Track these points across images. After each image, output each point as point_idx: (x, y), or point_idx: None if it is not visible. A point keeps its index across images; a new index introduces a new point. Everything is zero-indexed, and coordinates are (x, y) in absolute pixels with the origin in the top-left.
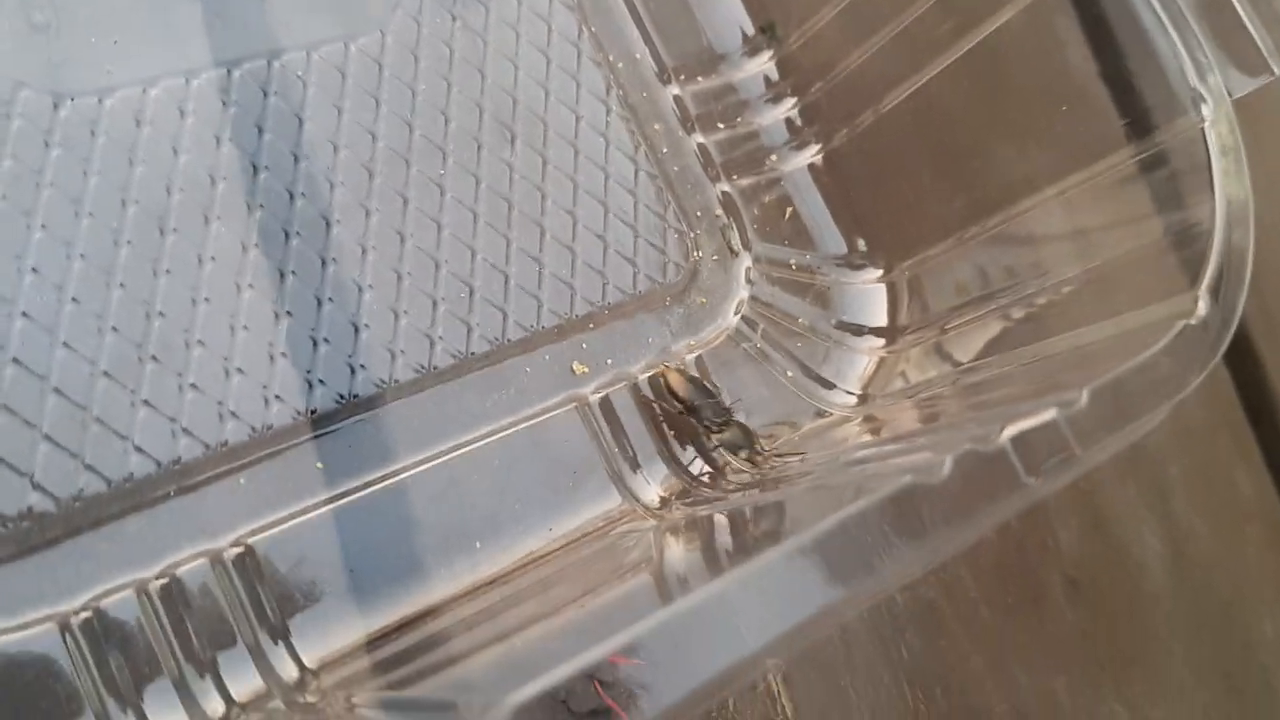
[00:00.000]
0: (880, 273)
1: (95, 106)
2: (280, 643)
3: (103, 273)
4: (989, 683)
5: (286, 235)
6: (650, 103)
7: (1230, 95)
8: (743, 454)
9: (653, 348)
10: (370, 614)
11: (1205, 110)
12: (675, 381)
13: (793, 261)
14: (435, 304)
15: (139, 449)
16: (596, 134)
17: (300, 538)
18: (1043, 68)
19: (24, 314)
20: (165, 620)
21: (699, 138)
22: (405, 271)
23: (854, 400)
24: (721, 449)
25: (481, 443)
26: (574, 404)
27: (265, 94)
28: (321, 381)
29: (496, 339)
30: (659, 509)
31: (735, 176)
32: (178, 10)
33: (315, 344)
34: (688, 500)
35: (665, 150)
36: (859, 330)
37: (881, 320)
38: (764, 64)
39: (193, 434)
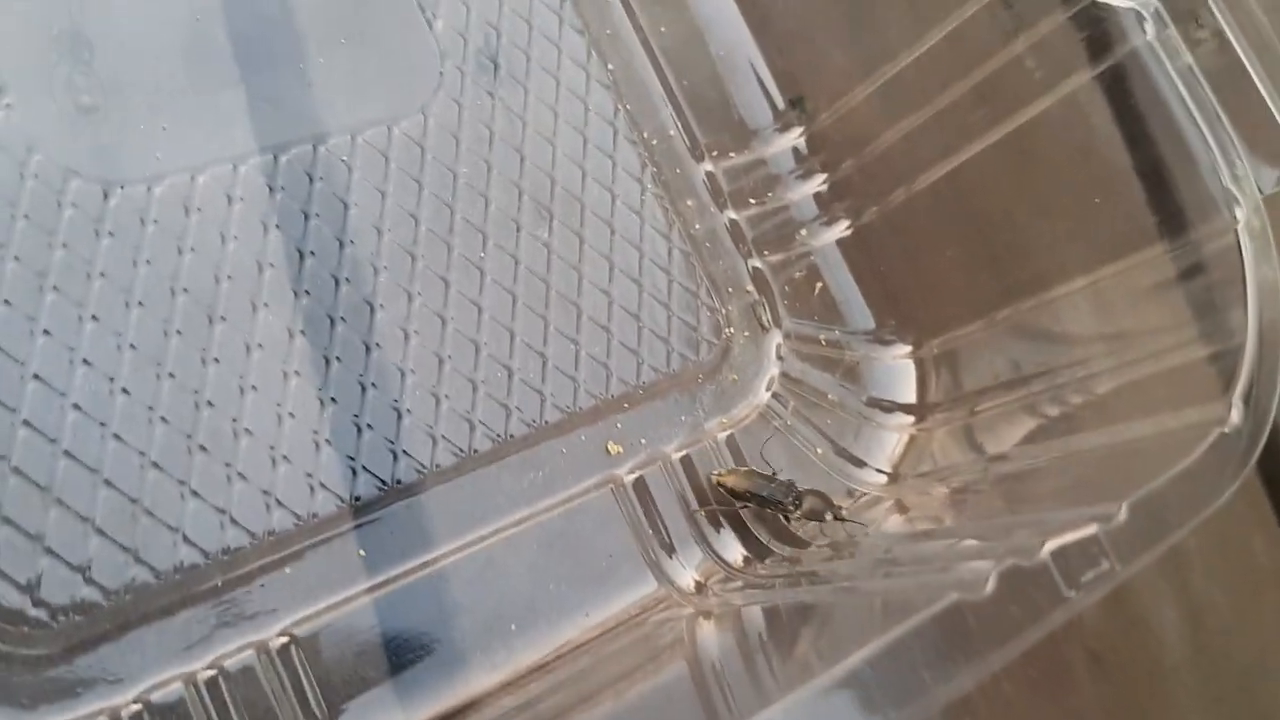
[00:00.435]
0: (909, 349)
1: (145, 195)
2: None
3: (153, 363)
4: None
5: (331, 321)
6: (683, 179)
7: (1262, 192)
8: (828, 517)
9: (685, 426)
10: (412, 706)
11: (1239, 212)
12: (733, 482)
13: (822, 337)
14: (475, 387)
15: (188, 540)
16: (631, 212)
17: (343, 627)
18: (1076, 158)
19: (75, 406)
20: (213, 712)
21: (731, 214)
22: (446, 355)
23: (884, 479)
24: (806, 521)
25: (519, 526)
26: (609, 485)
27: (311, 179)
28: (365, 468)
29: (534, 421)
30: (694, 594)
31: (766, 252)
32: (224, 94)
33: (359, 430)
34: (723, 584)
35: (698, 227)
36: (889, 407)
37: (911, 397)
38: (795, 139)
39: (240, 524)
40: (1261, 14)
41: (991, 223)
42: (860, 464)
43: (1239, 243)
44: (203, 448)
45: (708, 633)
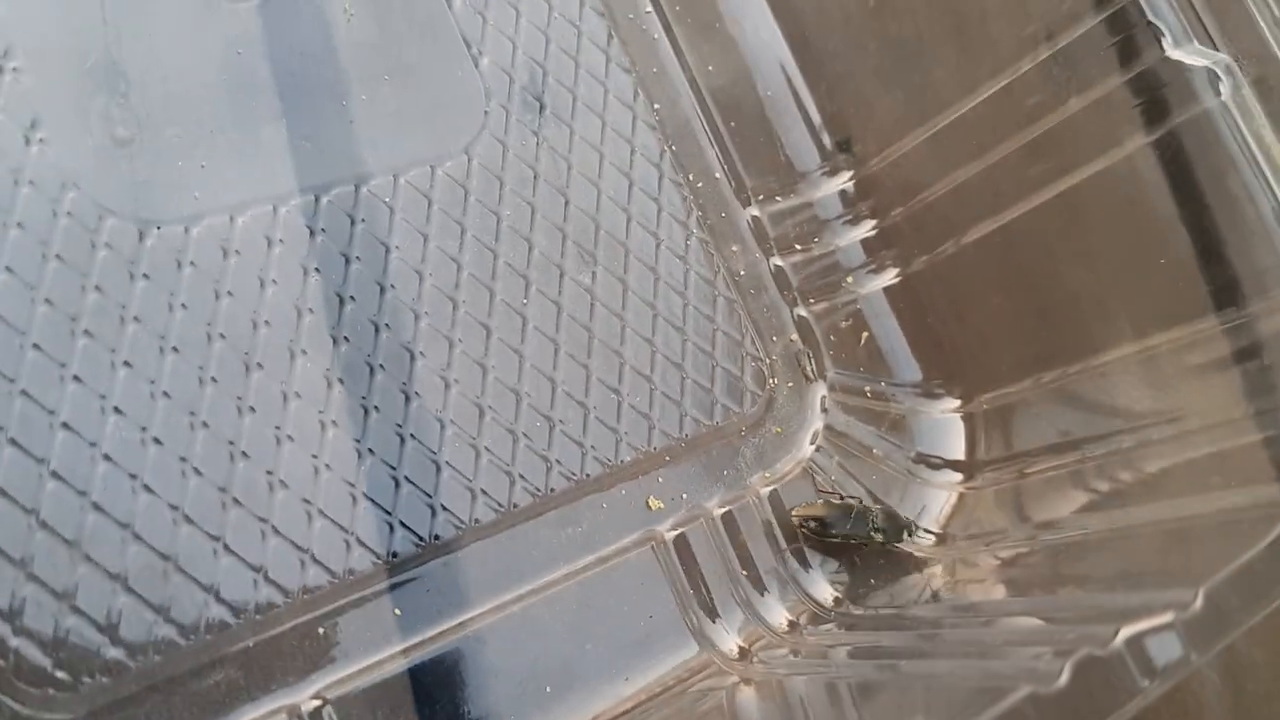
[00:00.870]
0: (958, 403)
1: (182, 236)
2: None
3: (186, 412)
4: None
5: (370, 369)
6: (729, 224)
7: None
8: (907, 533)
9: (727, 480)
10: None
11: None
12: (816, 511)
13: (868, 389)
14: (516, 439)
15: (220, 599)
16: (676, 257)
17: (377, 691)
18: (1130, 222)
19: (106, 457)
20: None
21: (776, 260)
22: (487, 405)
23: (932, 540)
24: (891, 542)
25: (557, 585)
26: (650, 542)
27: (352, 221)
28: (402, 523)
29: (575, 475)
30: (737, 660)
31: (812, 300)
32: (264, 130)
33: (397, 484)
34: (768, 651)
35: (743, 273)
36: (937, 463)
37: (960, 454)
38: (843, 183)
39: (274, 581)
40: None
41: (1041, 279)
42: None
43: None
44: (237, 501)
45: (748, 700)
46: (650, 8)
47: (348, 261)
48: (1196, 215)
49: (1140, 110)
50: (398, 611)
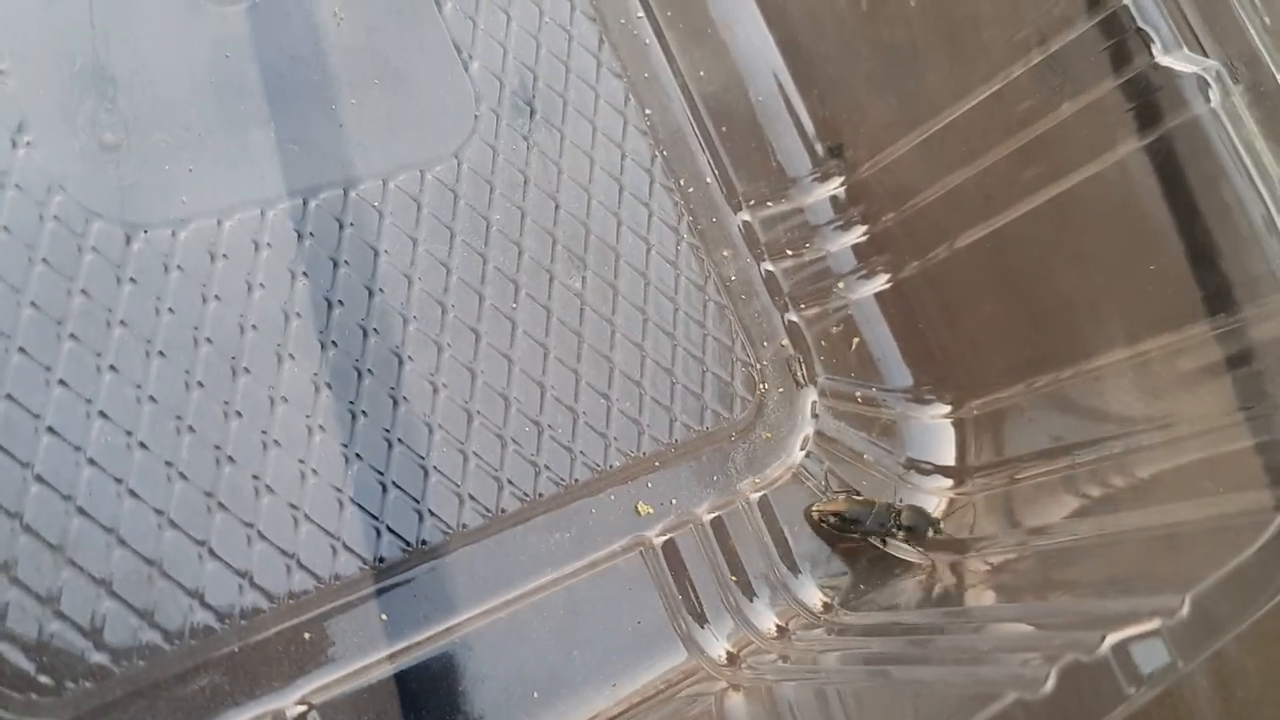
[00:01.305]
0: (949, 409)
1: (169, 239)
2: None
3: (172, 416)
4: None
5: (358, 374)
6: (719, 228)
7: None
8: (933, 530)
9: (717, 486)
10: None
11: None
12: (837, 507)
13: (859, 394)
14: (504, 444)
15: (205, 604)
16: (666, 262)
17: (363, 696)
18: (1122, 227)
19: (91, 461)
20: None
21: (767, 265)
22: (475, 410)
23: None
24: (914, 540)
25: (546, 592)
26: (639, 548)
27: (341, 225)
28: (390, 529)
29: (563, 480)
30: (726, 666)
31: (803, 305)
32: (253, 134)
33: (384, 489)
34: (756, 657)
35: (733, 278)
36: (927, 469)
37: (950, 459)
38: (834, 189)
39: (260, 586)
40: None
41: (1033, 284)
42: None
43: None
44: (223, 506)
45: (737, 706)
46: (642, 13)
47: (336, 265)
48: (1189, 220)
49: (1133, 115)
50: (384, 617)
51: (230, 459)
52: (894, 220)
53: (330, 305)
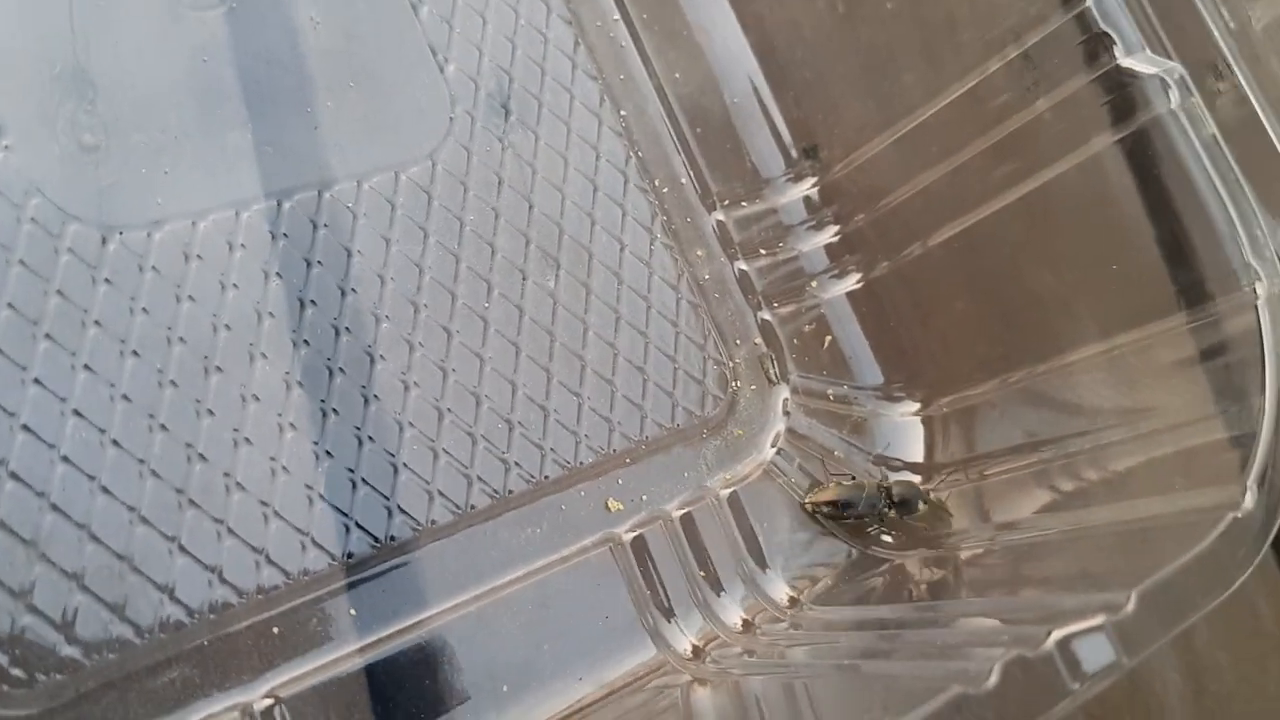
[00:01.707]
0: (918, 406)
1: (144, 241)
2: None
3: (145, 415)
4: None
5: (330, 372)
6: (693, 228)
7: None
8: (921, 505)
9: (688, 483)
10: None
11: (1260, 288)
12: (828, 495)
13: (830, 392)
14: (475, 441)
15: (175, 598)
16: (640, 261)
17: (331, 689)
18: (1094, 220)
19: (65, 459)
20: None
21: (741, 264)
22: (446, 408)
23: (890, 541)
24: (907, 516)
25: (514, 585)
26: (608, 544)
27: (315, 226)
28: (359, 525)
29: (534, 477)
30: (691, 660)
31: (775, 304)
32: (229, 136)
33: (354, 486)
34: (721, 651)
35: (707, 277)
36: (896, 465)
37: (919, 456)
38: (807, 189)
39: (229, 581)
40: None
41: (1005, 282)
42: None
43: (1259, 318)
44: (193, 502)
45: (703, 699)
46: (618, 15)
47: (309, 266)
48: (1161, 215)
49: (1106, 110)
50: (353, 612)
51: (202, 456)
52: (866, 220)
53: (303, 305)
